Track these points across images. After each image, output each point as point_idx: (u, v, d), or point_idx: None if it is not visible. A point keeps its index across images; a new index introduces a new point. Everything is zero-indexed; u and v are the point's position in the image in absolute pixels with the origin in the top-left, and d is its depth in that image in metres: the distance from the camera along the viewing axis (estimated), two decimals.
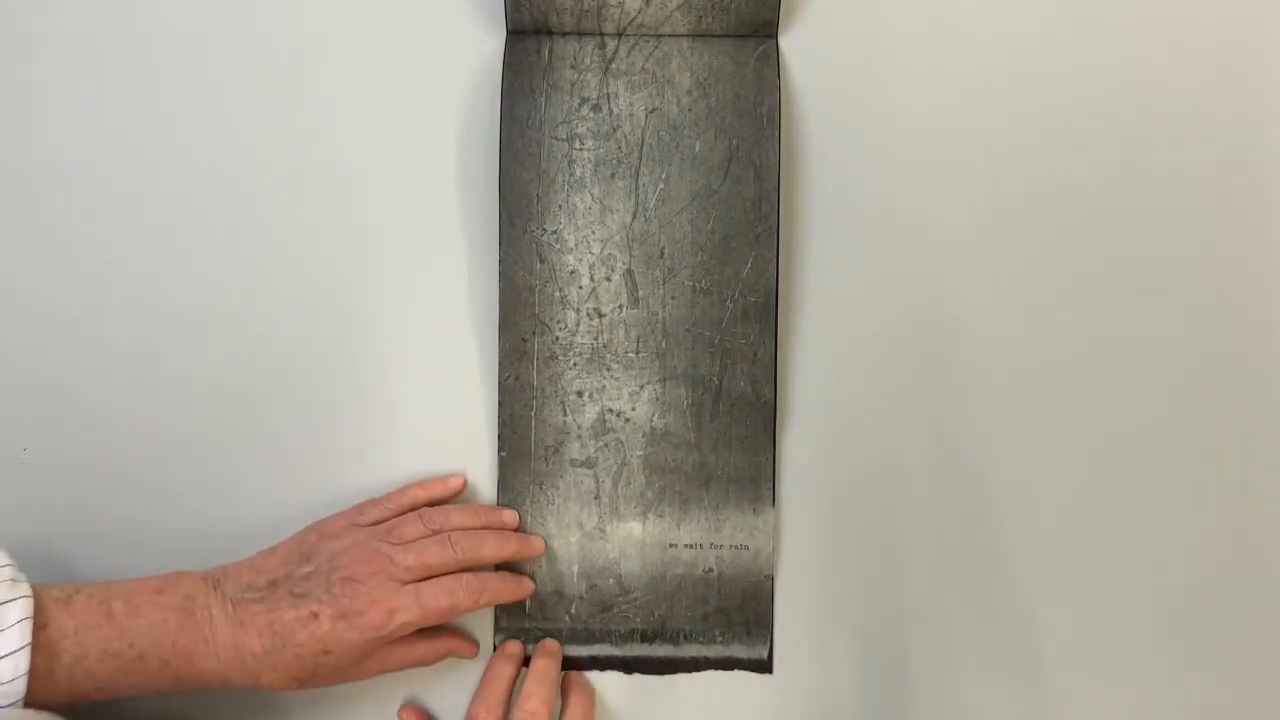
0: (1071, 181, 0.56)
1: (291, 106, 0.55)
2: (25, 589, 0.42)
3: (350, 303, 0.55)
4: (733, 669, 0.54)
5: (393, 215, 0.55)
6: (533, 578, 0.53)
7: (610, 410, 0.54)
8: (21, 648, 0.41)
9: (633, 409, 0.54)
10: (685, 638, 0.54)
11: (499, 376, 0.54)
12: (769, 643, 0.55)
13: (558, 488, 0.54)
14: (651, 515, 0.54)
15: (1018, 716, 0.55)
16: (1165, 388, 0.56)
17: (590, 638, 0.54)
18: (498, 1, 0.53)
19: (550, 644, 0.54)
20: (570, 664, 0.54)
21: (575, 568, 0.54)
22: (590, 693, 0.54)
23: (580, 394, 0.54)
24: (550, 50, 0.54)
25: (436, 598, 0.48)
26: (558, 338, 0.54)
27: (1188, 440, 0.56)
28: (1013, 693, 0.55)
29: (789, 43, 0.55)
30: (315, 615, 0.46)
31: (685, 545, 0.54)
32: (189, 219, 0.55)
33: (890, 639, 0.55)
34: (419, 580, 0.48)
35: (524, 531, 0.54)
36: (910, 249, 0.56)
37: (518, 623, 0.54)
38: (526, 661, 0.53)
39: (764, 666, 0.55)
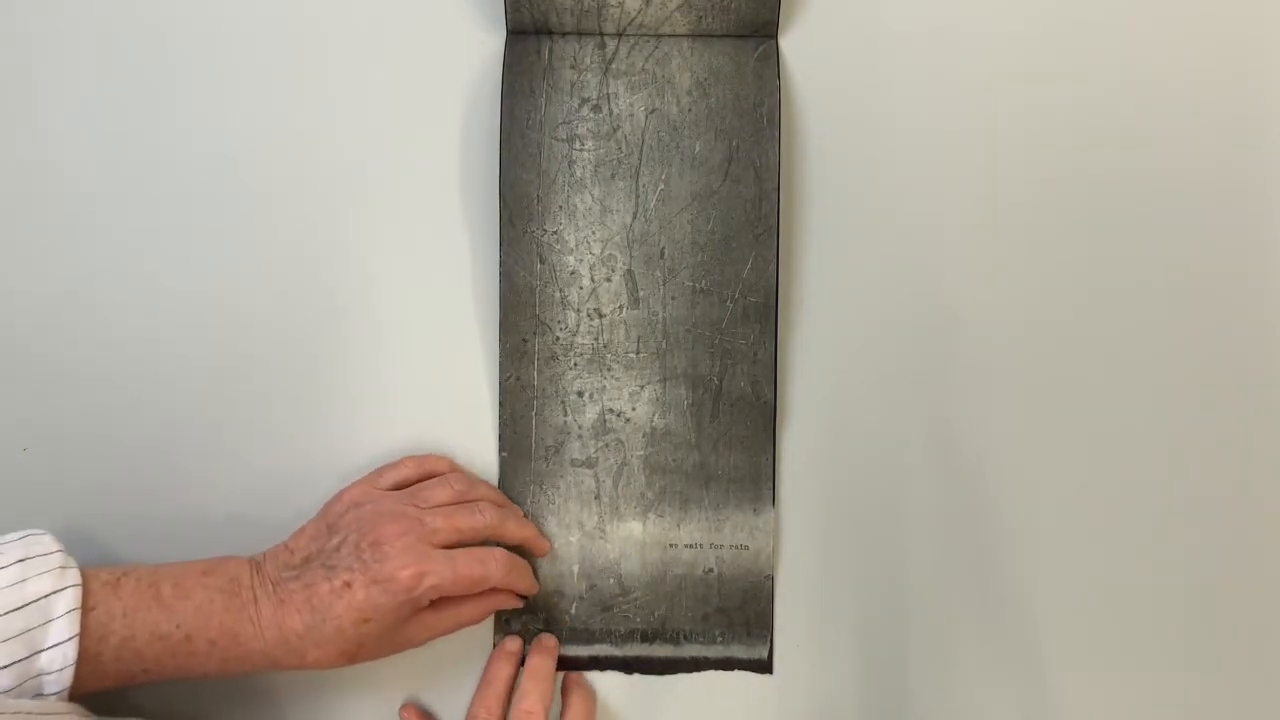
0: (1071, 180, 0.56)
1: (292, 106, 0.55)
2: (74, 576, 0.43)
3: (350, 303, 0.55)
4: (733, 669, 0.55)
5: (393, 215, 0.55)
6: (535, 575, 0.53)
7: (610, 410, 0.54)
8: (70, 638, 0.41)
9: (633, 409, 0.54)
10: (685, 638, 0.54)
11: (499, 376, 0.54)
12: (769, 643, 0.55)
13: (558, 488, 0.54)
14: (652, 515, 0.54)
15: (1018, 716, 0.55)
16: (1165, 387, 0.56)
17: (590, 638, 0.54)
18: (498, 1, 0.53)
19: (547, 640, 0.54)
20: (570, 664, 0.54)
21: (575, 568, 0.54)
22: (590, 693, 0.54)
23: (580, 394, 0.54)
24: (550, 50, 0.54)
25: (470, 565, 0.48)
26: (558, 338, 0.54)
27: (1188, 440, 0.56)
28: (1013, 693, 0.55)
29: (789, 43, 0.55)
30: (349, 585, 0.46)
31: (685, 545, 0.54)
32: (189, 220, 0.55)
33: (890, 639, 0.55)
34: (447, 545, 0.48)
35: None
36: (910, 249, 0.56)
37: (518, 620, 0.54)
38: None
39: (764, 666, 0.55)
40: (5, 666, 0.40)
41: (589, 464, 0.54)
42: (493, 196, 0.54)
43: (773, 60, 0.54)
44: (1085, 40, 0.56)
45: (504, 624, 0.54)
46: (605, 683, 0.55)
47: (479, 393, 0.55)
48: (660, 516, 0.54)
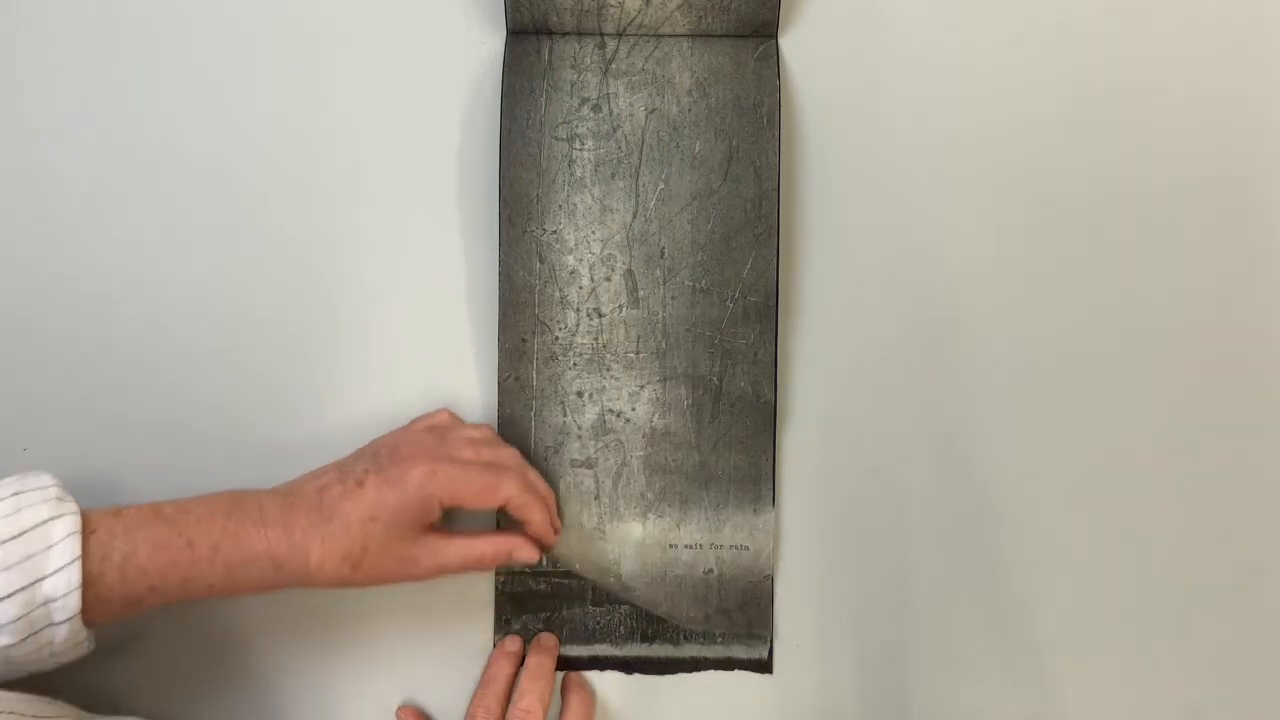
0: (1072, 180, 0.56)
1: (291, 106, 0.55)
2: (72, 505, 0.42)
3: (350, 303, 0.55)
4: (733, 669, 0.54)
5: (392, 215, 0.55)
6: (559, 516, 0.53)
7: (610, 410, 0.54)
8: (72, 561, 0.41)
9: (633, 409, 0.54)
10: (685, 638, 0.54)
11: (498, 376, 0.54)
12: (769, 643, 0.55)
13: (557, 488, 0.54)
14: (651, 515, 0.54)
15: (1018, 716, 0.55)
16: (1165, 388, 0.56)
17: (590, 637, 0.54)
18: (498, 1, 0.53)
19: (546, 640, 0.54)
20: (570, 664, 0.54)
21: (575, 566, 0.54)
22: (590, 694, 0.54)
23: (580, 394, 0.54)
24: (550, 50, 0.54)
25: (483, 472, 0.48)
26: (557, 338, 0.54)
27: (1188, 440, 0.56)
28: (1013, 692, 0.55)
29: (789, 43, 0.55)
30: (361, 484, 0.46)
31: (685, 545, 0.54)
32: (188, 219, 0.55)
33: (890, 639, 0.55)
34: None
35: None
36: (910, 248, 0.56)
37: (518, 620, 0.54)
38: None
39: (764, 666, 0.55)
40: (9, 595, 0.40)
41: (588, 464, 0.54)
42: (492, 196, 0.54)
43: (773, 60, 0.54)
44: (1086, 40, 0.56)
45: (504, 624, 0.54)
46: (605, 683, 0.55)
47: (477, 393, 0.55)
48: (660, 517, 0.54)
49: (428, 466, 0.47)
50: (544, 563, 0.54)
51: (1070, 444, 0.56)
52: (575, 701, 0.53)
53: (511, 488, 0.49)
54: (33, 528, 0.41)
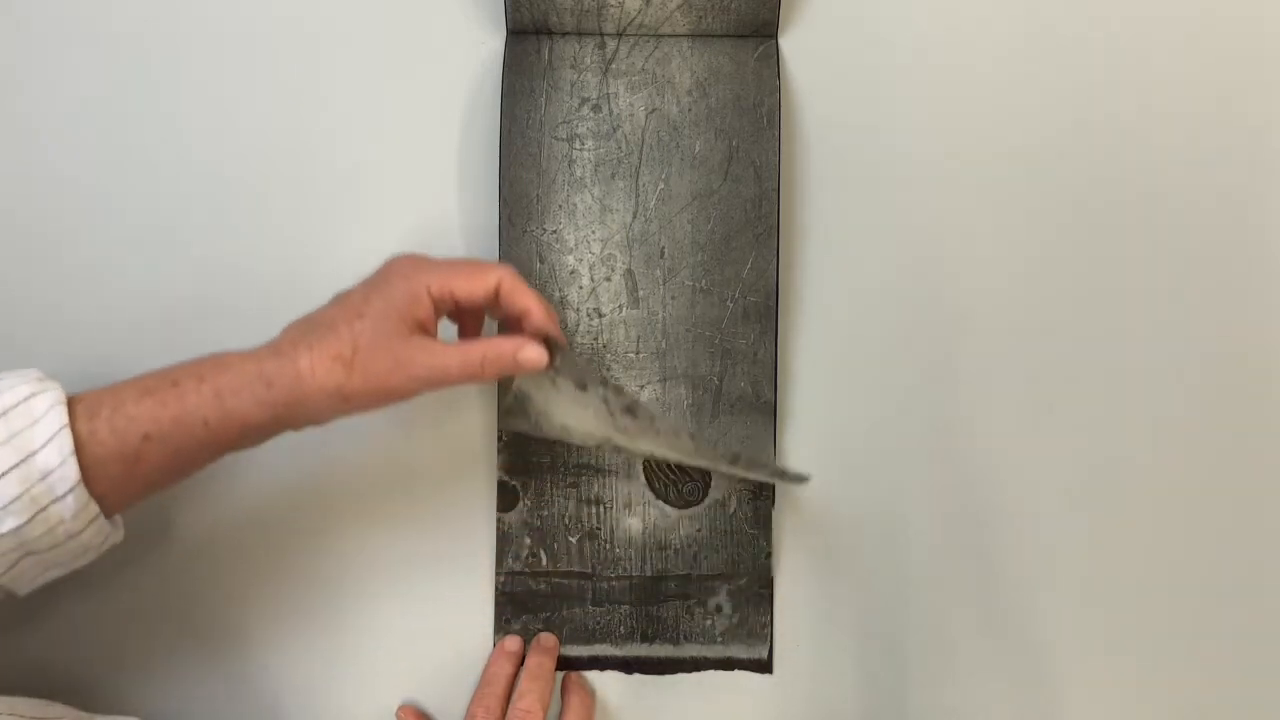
0: (1072, 179, 0.56)
1: (291, 106, 0.55)
2: (53, 383, 0.42)
3: None
4: (733, 669, 0.54)
5: (392, 216, 0.55)
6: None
7: None
8: (60, 429, 0.40)
9: None
10: (685, 638, 0.54)
11: (498, 403, 0.54)
12: (769, 643, 0.55)
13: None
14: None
15: (1018, 716, 0.55)
16: (1165, 389, 0.56)
17: (590, 637, 0.54)
18: (498, 1, 0.53)
19: (546, 640, 0.54)
20: (570, 664, 0.54)
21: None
22: (590, 693, 0.54)
23: None
24: (550, 50, 0.54)
25: (470, 261, 0.47)
26: None
27: (1188, 441, 0.56)
28: (1013, 693, 0.55)
29: (789, 43, 0.55)
30: (347, 295, 0.45)
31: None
32: (187, 220, 0.55)
33: (890, 639, 0.55)
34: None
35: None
36: (911, 248, 0.56)
37: (518, 620, 0.54)
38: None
39: (764, 666, 0.55)
40: (3, 474, 0.39)
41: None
42: (492, 196, 0.54)
43: (773, 60, 0.54)
44: (1086, 39, 0.56)
45: (504, 624, 0.54)
46: (605, 683, 0.55)
47: (475, 400, 0.55)
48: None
49: (410, 261, 0.46)
50: (545, 562, 0.54)
51: (1070, 444, 0.56)
52: (575, 701, 0.53)
53: (502, 271, 0.46)
54: (15, 406, 0.40)
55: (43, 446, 0.40)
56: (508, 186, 0.53)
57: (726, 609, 0.54)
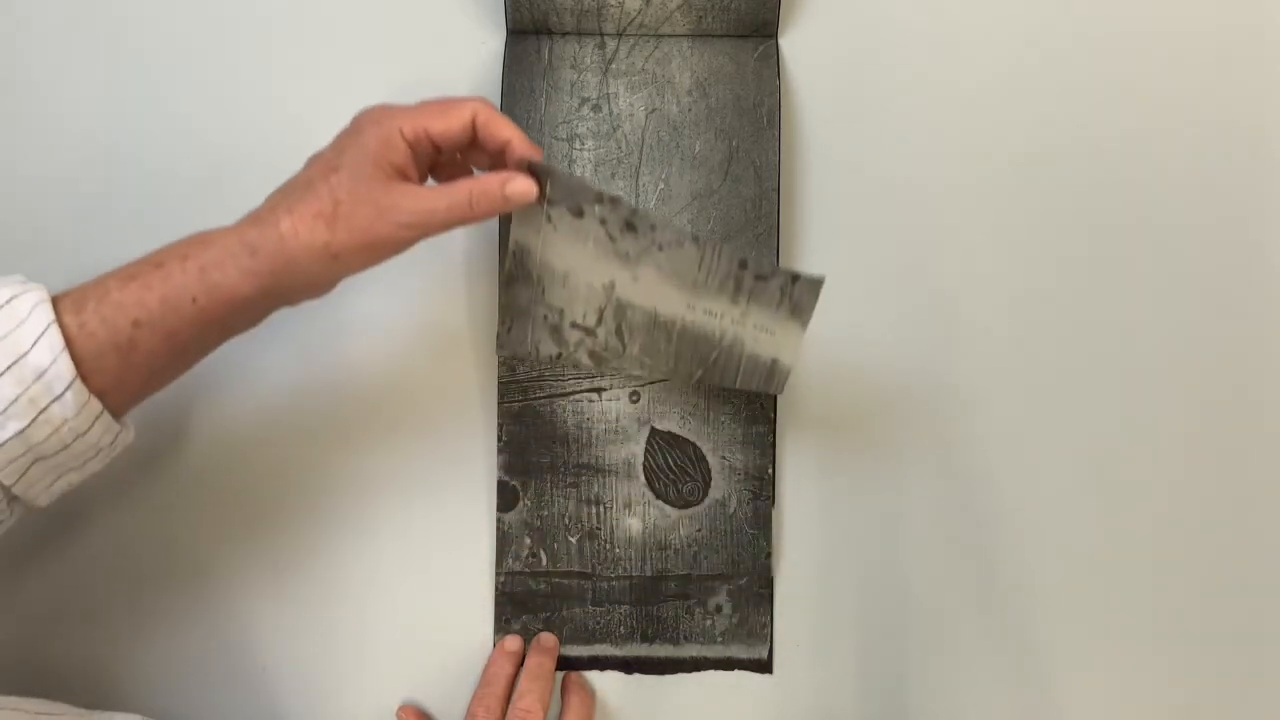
0: (1072, 180, 0.56)
1: (292, 106, 0.55)
2: (36, 285, 0.41)
3: (348, 303, 0.55)
4: (733, 669, 0.54)
5: None
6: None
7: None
8: (48, 326, 0.39)
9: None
10: (685, 638, 0.54)
11: (497, 403, 0.54)
12: (769, 643, 0.55)
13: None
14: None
15: (1018, 716, 0.55)
16: (1165, 389, 0.56)
17: (590, 637, 0.54)
18: (498, 1, 0.53)
19: (546, 639, 0.54)
20: (570, 664, 0.54)
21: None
22: (590, 693, 0.54)
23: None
24: (550, 50, 0.54)
25: (440, 100, 0.44)
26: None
27: (1188, 441, 0.56)
28: (1013, 693, 0.55)
29: (789, 43, 0.55)
30: (320, 153, 0.44)
31: (704, 310, 0.48)
32: (187, 222, 0.55)
33: (890, 639, 0.55)
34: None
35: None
36: (911, 248, 0.56)
37: (518, 620, 0.54)
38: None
39: (764, 666, 0.55)
40: None
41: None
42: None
43: (773, 60, 0.54)
44: (1086, 40, 0.56)
45: (504, 624, 0.54)
46: (605, 683, 0.55)
47: (478, 421, 0.55)
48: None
49: (380, 109, 0.44)
50: (546, 562, 0.54)
51: (1071, 444, 0.56)
52: (575, 701, 0.53)
53: (476, 103, 0.44)
54: None
55: (32, 346, 0.39)
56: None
57: (726, 609, 0.54)
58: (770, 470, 0.54)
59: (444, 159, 0.47)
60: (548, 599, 0.54)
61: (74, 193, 0.55)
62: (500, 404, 0.54)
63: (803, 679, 0.55)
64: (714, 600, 0.54)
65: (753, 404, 0.54)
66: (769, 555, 0.54)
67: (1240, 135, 0.56)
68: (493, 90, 0.54)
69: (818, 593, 0.55)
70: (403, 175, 0.43)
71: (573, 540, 0.54)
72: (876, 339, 0.56)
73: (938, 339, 0.56)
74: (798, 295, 0.47)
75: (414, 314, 0.55)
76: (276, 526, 0.54)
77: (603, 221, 0.46)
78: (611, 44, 0.54)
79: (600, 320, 0.49)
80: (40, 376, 0.39)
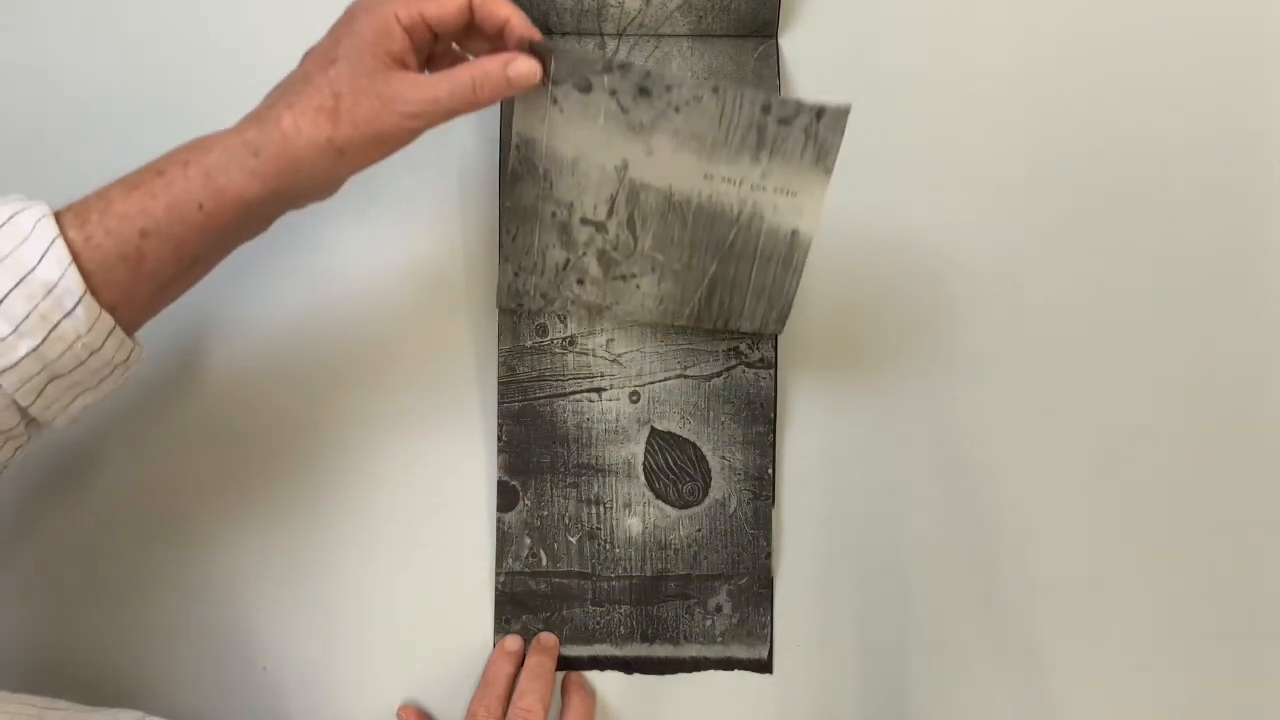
0: (1073, 178, 0.56)
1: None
2: (37, 201, 0.40)
3: (348, 303, 0.55)
4: (733, 669, 0.54)
5: (391, 217, 0.55)
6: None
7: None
8: (53, 240, 0.39)
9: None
10: (685, 638, 0.54)
11: (497, 403, 0.54)
12: (769, 643, 0.55)
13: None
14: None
15: (1018, 716, 0.55)
16: (1165, 389, 0.56)
17: (590, 637, 0.54)
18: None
19: (546, 638, 0.54)
20: (570, 664, 0.54)
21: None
22: (590, 693, 0.54)
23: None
24: None
25: None
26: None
27: (1188, 441, 0.56)
28: (1013, 693, 0.55)
29: (789, 43, 0.55)
30: (315, 47, 0.43)
31: (723, 179, 0.46)
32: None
33: (890, 639, 0.55)
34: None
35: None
36: (911, 247, 0.56)
37: (518, 620, 0.54)
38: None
39: (764, 666, 0.55)
40: (5, 296, 0.38)
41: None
42: (492, 197, 0.54)
43: (773, 60, 0.54)
44: (1086, 39, 0.56)
45: (504, 624, 0.54)
46: (605, 683, 0.55)
47: (474, 397, 0.55)
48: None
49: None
50: (546, 562, 0.54)
51: (1070, 444, 0.56)
52: (576, 701, 0.53)
53: None
54: (0, 227, 0.39)
55: (39, 261, 0.38)
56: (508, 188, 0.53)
57: (726, 609, 0.54)
58: (770, 470, 0.54)
59: (440, 49, 0.46)
60: (548, 599, 0.54)
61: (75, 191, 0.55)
62: (500, 404, 0.54)
63: (803, 679, 0.55)
64: (714, 600, 0.54)
65: (753, 404, 0.54)
66: (769, 555, 0.54)
67: (1242, 133, 0.56)
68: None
69: (818, 593, 0.55)
70: (401, 64, 0.42)
71: (573, 540, 0.54)
72: (877, 338, 0.56)
73: (939, 338, 0.56)
74: (822, 134, 0.44)
75: (414, 315, 0.55)
76: (277, 529, 0.54)
77: (613, 93, 0.43)
78: (611, 44, 0.54)
79: (611, 211, 0.47)
80: (49, 292, 0.38)
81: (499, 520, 0.54)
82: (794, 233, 0.47)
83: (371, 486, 0.54)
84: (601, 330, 0.54)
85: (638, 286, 0.51)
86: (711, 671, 0.55)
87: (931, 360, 0.56)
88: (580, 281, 0.51)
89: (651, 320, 0.52)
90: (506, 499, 0.54)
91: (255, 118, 0.42)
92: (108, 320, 0.40)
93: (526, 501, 0.54)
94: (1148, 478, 0.56)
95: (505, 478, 0.54)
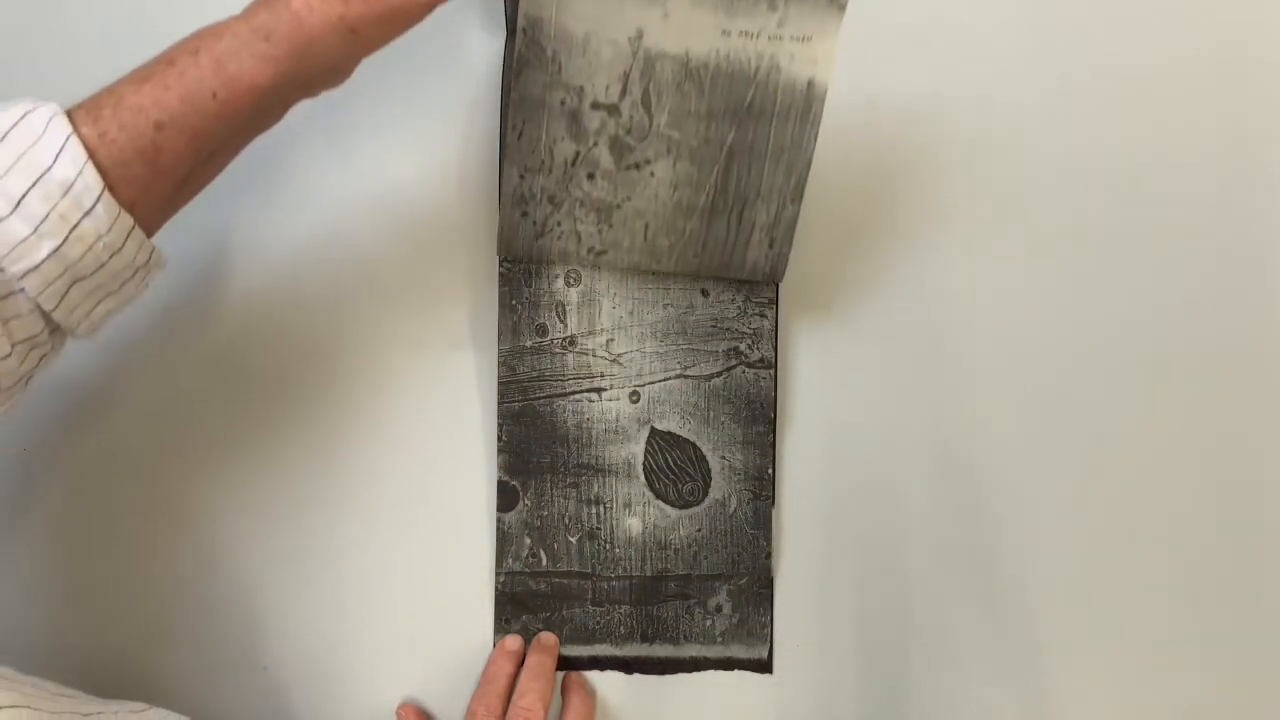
0: (1074, 181, 0.56)
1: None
2: (47, 102, 0.39)
3: (346, 303, 0.55)
4: (733, 669, 0.55)
5: (391, 218, 0.55)
6: None
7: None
8: (67, 138, 0.38)
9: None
10: (685, 638, 0.54)
11: (497, 403, 0.54)
12: (769, 643, 0.55)
13: None
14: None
15: (1018, 716, 0.55)
16: (1165, 388, 0.56)
17: (590, 637, 0.54)
18: (498, 2, 0.53)
19: (547, 639, 0.54)
20: (570, 664, 0.54)
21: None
22: (590, 693, 0.54)
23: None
24: None
25: None
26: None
27: (1188, 441, 0.56)
28: (1013, 693, 0.55)
29: None
30: None
31: (740, 32, 0.46)
32: (189, 219, 0.55)
33: (890, 639, 0.55)
34: None
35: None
36: (911, 248, 0.56)
37: (518, 620, 0.54)
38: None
39: (764, 666, 0.55)
40: (22, 196, 0.37)
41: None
42: (492, 198, 0.54)
43: None
44: (1090, 40, 0.56)
45: (504, 624, 0.54)
46: (605, 683, 0.55)
47: (474, 396, 0.55)
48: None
49: None
50: (545, 562, 0.54)
51: (1070, 444, 0.56)
52: (576, 701, 0.53)
53: None
54: (12, 127, 0.38)
55: (55, 160, 0.38)
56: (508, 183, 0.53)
57: (726, 609, 0.54)
58: (770, 470, 0.54)
59: None
60: (548, 599, 0.54)
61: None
62: (500, 404, 0.54)
63: (803, 679, 0.55)
64: (714, 600, 0.54)
65: (753, 404, 0.54)
66: (769, 555, 0.54)
67: (1243, 140, 0.56)
68: (493, 90, 0.54)
69: (818, 593, 0.55)
70: None
71: (573, 540, 0.54)
72: (877, 338, 0.56)
73: (938, 339, 0.56)
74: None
75: (414, 316, 0.55)
76: (277, 530, 0.54)
77: None
78: None
79: (625, 90, 0.45)
80: (68, 191, 0.38)
81: (499, 520, 0.54)
82: (810, 83, 0.47)
83: (372, 486, 0.54)
84: (601, 330, 0.54)
85: (652, 174, 0.49)
86: (711, 671, 0.55)
87: (932, 360, 0.56)
88: (590, 176, 0.49)
89: (664, 222, 0.50)
90: (506, 499, 0.54)
91: (264, 2, 0.41)
92: (127, 219, 0.39)
93: (526, 501, 0.54)
94: (1148, 479, 0.56)
95: (505, 478, 0.54)
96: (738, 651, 0.55)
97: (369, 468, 0.54)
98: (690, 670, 0.55)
